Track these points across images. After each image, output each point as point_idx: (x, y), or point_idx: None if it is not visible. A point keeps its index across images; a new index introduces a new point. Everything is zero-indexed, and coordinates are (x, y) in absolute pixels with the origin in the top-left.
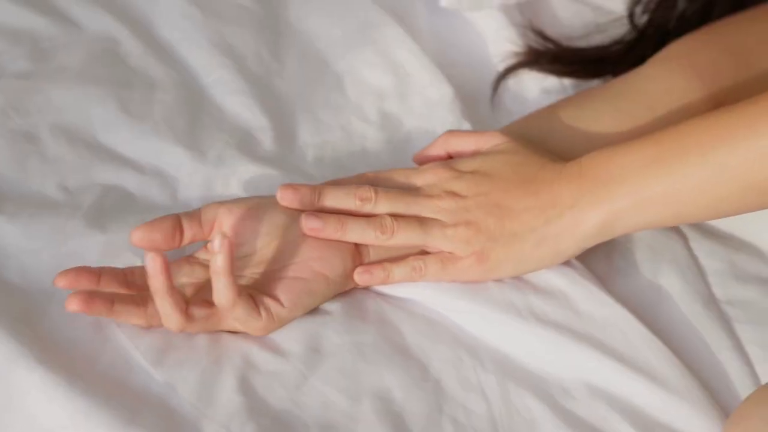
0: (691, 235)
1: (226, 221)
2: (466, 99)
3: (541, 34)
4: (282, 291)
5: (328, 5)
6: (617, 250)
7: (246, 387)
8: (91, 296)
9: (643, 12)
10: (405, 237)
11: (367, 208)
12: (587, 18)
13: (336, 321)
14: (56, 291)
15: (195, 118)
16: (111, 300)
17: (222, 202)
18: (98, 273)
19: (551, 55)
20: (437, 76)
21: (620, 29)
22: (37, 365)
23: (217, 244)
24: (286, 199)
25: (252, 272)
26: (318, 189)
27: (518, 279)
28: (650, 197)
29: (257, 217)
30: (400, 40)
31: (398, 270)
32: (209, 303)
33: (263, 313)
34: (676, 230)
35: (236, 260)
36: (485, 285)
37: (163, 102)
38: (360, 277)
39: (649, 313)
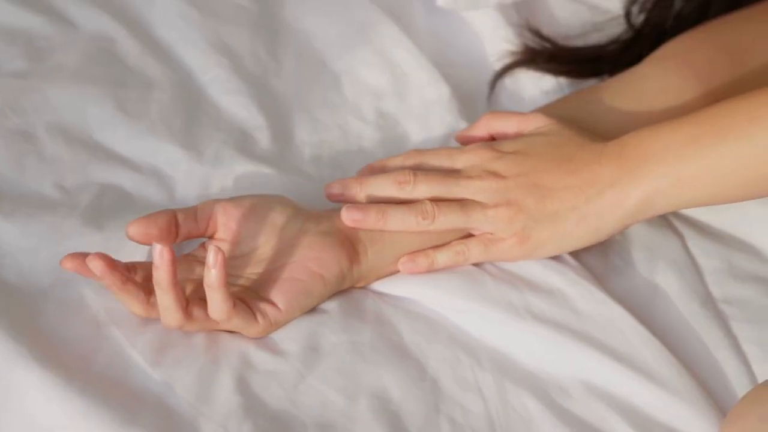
0: (688, 233)
1: (222, 219)
2: (463, 98)
3: (538, 34)
4: (278, 293)
5: (325, 5)
6: (614, 249)
7: (243, 386)
8: (113, 264)
9: (640, 11)
10: (446, 221)
11: (407, 191)
12: (584, 17)
13: (333, 320)
14: (53, 290)
15: (192, 118)
16: (126, 277)
17: (218, 200)
18: (104, 260)
19: (548, 55)
20: (434, 76)
21: (617, 28)
22: (35, 365)
23: (210, 258)
24: (334, 194)
25: (250, 272)
26: (360, 180)
27: (515, 278)
28: (688, 177)
29: (254, 216)
30: (397, 40)
31: (441, 256)
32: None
33: (260, 318)
34: (673, 229)
35: (233, 259)
36: (483, 283)
37: (160, 101)
38: (404, 266)
39: (646, 312)
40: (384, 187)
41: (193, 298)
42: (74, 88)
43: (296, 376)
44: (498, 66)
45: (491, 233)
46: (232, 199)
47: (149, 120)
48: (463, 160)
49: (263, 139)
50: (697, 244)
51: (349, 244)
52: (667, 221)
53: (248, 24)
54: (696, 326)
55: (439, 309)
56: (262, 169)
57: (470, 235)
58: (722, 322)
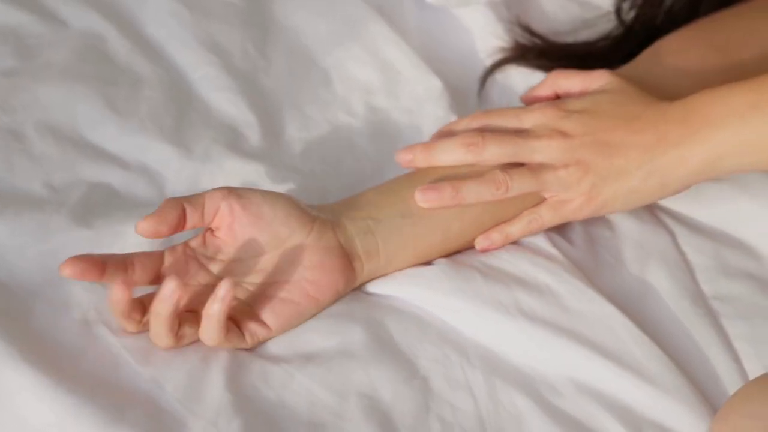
0: (678, 230)
1: (227, 220)
2: (454, 94)
3: (528, 30)
4: (271, 314)
5: (314, 1)
6: (605, 245)
7: (233, 384)
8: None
9: (631, 7)
10: (519, 187)
11: (476, 154)
12: (574, 13)
13: (323, 319)
14: (42, 288)
15: (181, 115)
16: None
17: (226, 192)
18: (103, 262)
19: (538, 51)
20: (425, 71)
21: (607, 25)
22: (25, 364)
23: (221, 292)
24: (403, 161)
25: (246, 281)
26: (428, 145)
27: (505, 275)
28: (749, 142)
29: (260, 224)
30: (387, 36)
31: (515, 227)
32: (198, 318)
33: (249, 339)
34: (663, 226)
35: (231, 263)
36: (473, 281)
37: (150, 99)
38: (481, 244)
39: (636, 309)
40: (453, 150)
41: (184, 317)
42: (64, 86)
43: (286, 374)
44: (488, 62)
45: (560, 195)
46: (240, 197)
47: (139, 118)
48: (530, 119)
49: (253, 135)
50: (688, 241)
51: (348, 262)
52: (658, 218)
53: (238, 21)
54: (687, 323)
55: (428, 307)
56: (252, 166)
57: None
58: (713, 319)
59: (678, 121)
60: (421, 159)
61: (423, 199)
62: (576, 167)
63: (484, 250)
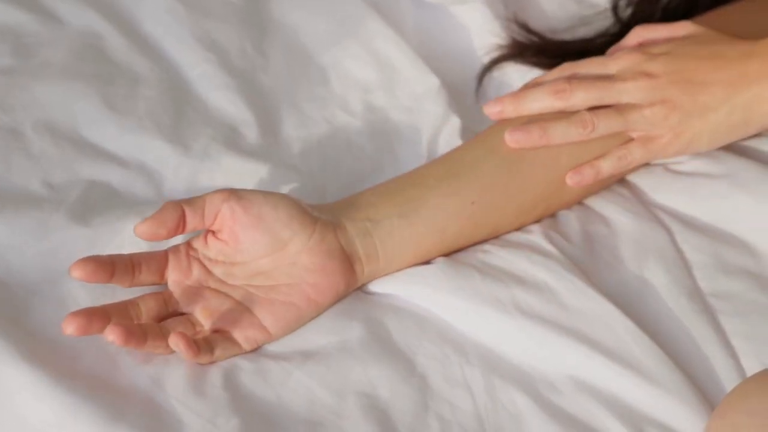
0: (676, 228)
1: (228, 222)
2: (451, 91)
3: (526, 27)
4: (271, 317)
5: None
6: (602, 243)
7: (232, 383)
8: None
9: (628, 5)
10: (606, 127)
11: (564, 99)
12: (571, 10)
13: (322, 317)
14: (41, 287)
15: (179, 113)
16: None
17: (227, 195)
18: (111, 264)
19: (535, 48)
20: (422, 69)
21: (604, 22)
22: (24, 363)
23: (172, 342)
24: (492, 112)
25: (246, 283)
26: (516, 95)
27: (503, 273)
28: None
29: (261, 226)
30: (384, 34)
31: (605, 163)
32: (226, 336)
33: (246, 345)
34: (661, 223)
35: (232, 265)
36: (471, 279)
37: (148, 97)
38: (572, 179)
39: (634, 307)
40: (541, 97)
41: (213, 339)
42: (61, 85)
43: (284, 372)
44: (486, 59)
45: (648, 133)
46: (241, 199)
47: (137, 116)
48: (615, 65)
49: (251, 134)
50: (685, 239)
51: (348, 264)
52: (655, 215)
53: (235, 19)
54: (684, 321)
55: (427, 306)
56: (250, 164)
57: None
58: (711, 316)
59: (761, 59)
60: (510, 109)
61: (512, 139)
62: (661, 105)
63: (576, 185)
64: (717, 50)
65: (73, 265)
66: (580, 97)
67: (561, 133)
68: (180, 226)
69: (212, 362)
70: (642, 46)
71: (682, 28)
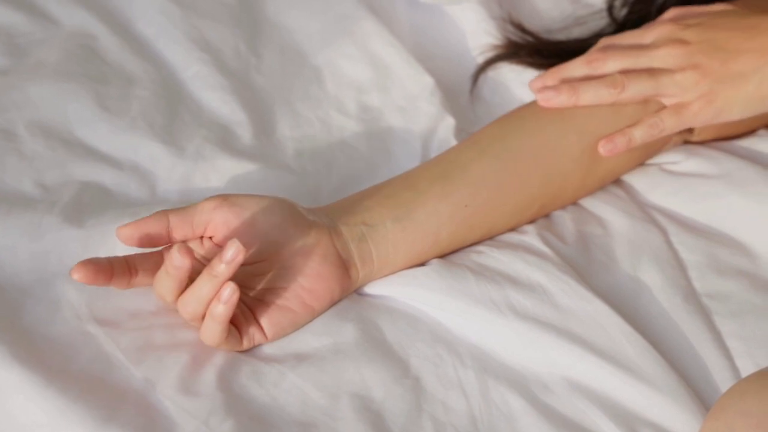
0: (670, 228)
1: (222, 230)
2: (446, 92)
3: (520, 27)
4: (268, 321)
5: None
6: (597, 243)
7: (226, 384)
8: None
9: (623, 5)
10: (636, 89)
11: (597, 67)
12: (567, 10)
13: (316, 319)
14: (34, 287)
15: (173, 114)
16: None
17: (217, 203)
18: (111, 266)
19: (530, 48)
20: (417, 69)
21: (600, 22)
22: (16, 363)
23: (225, 294)
24: (536, 88)
25: (246, 287)
26: (554, 69)
27: (496, 274)
28: None
29: (255, 232)
30: (378, 34)
31: (638, 131)
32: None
33: (246, 343)
34: (655, 223)
35: None
36: (464, 280)
37: (141, 98)
38: (604, 147)
39: (628, 308)
40: (576, 68)
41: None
42: (55, 85)
43: (278, 374)
44: (481, 59)
45: (680, 100)
46: (233, 206)
47: (130, 116)
48: (650, 35)
49: (245, 134)
50: (679, 239)
51: (344, 269)
52: (650, 216)
53: (229, 19)
54: (679, 321)
55: (421, 307)
56: (245, 165)
57: None
58: (705, 316)
59: None
60: (550, 80)
61: (542, 98)
62: (693, 71)
63: (608, 153)
64: (750, 22)
65: (74, 268)
66: (613, 65)
67: (591, 93)
68: (163, 234)
69: (215, 347)
70: (677, 17)
71: (717, 7)
